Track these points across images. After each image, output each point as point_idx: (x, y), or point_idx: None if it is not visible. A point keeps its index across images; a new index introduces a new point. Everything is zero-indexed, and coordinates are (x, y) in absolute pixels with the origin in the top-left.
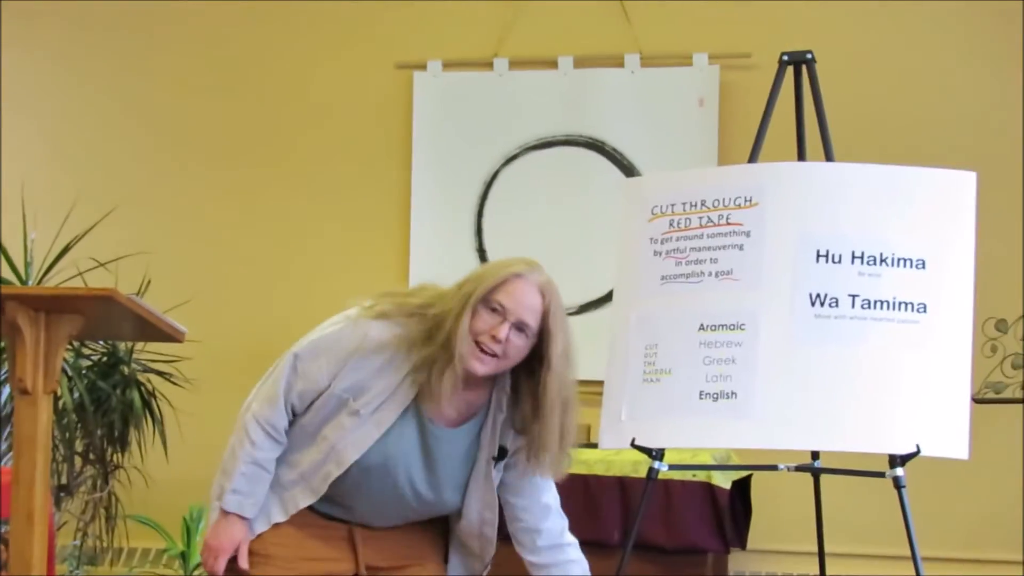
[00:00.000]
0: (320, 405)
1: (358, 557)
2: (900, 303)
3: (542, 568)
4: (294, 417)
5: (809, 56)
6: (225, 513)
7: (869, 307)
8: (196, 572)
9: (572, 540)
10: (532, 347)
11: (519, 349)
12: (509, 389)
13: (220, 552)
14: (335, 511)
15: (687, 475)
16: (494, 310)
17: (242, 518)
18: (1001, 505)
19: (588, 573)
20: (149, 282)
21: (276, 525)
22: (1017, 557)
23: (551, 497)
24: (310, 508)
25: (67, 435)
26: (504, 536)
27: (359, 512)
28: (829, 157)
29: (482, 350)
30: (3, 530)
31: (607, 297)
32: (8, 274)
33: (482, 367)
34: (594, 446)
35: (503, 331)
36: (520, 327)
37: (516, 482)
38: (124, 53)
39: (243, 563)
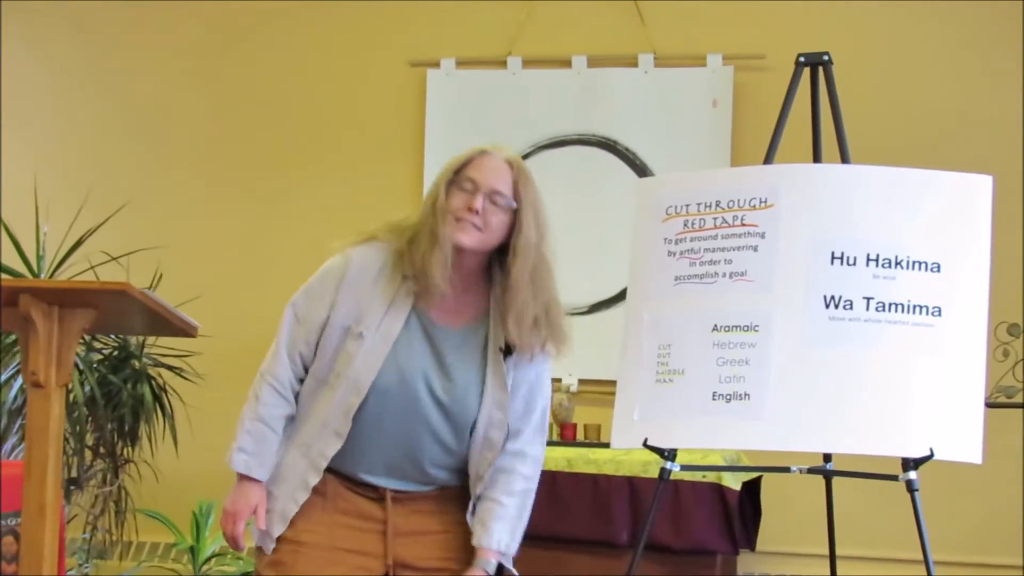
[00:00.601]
0: (325, 344)
1: (387, 550)
2: (915, 306)
3: (495, 471)
4: (306, 372)
5: (826, 57)
6: (240, 478)
7: (883, 310)
8: (205, 567)
9: (536, 454)
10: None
11: (498, 220)
12: (502, 283)
13: (237, 516)
14: (363, 467)
15: (697, 476)
16: (466, 188)
17: (256, 481)
18: (1009, 509)
19: (531, 488)
20: (161, 276)
21: (308, 510)
22: (1020, 562)
23: (539, 405)
24: (340, 476)
25: (78, 429)
26: None
27: (388, 458)
28: (845, 159)
29: (462, 221)
30: (14, 522)
31: (620, 296)
32: (21, 267)
33: (467, 237)
34: (606, 445)
35: (478, 201)
36: (493, 197)
37: (516, 378)
38: (139, 48)
39: (260, 524)
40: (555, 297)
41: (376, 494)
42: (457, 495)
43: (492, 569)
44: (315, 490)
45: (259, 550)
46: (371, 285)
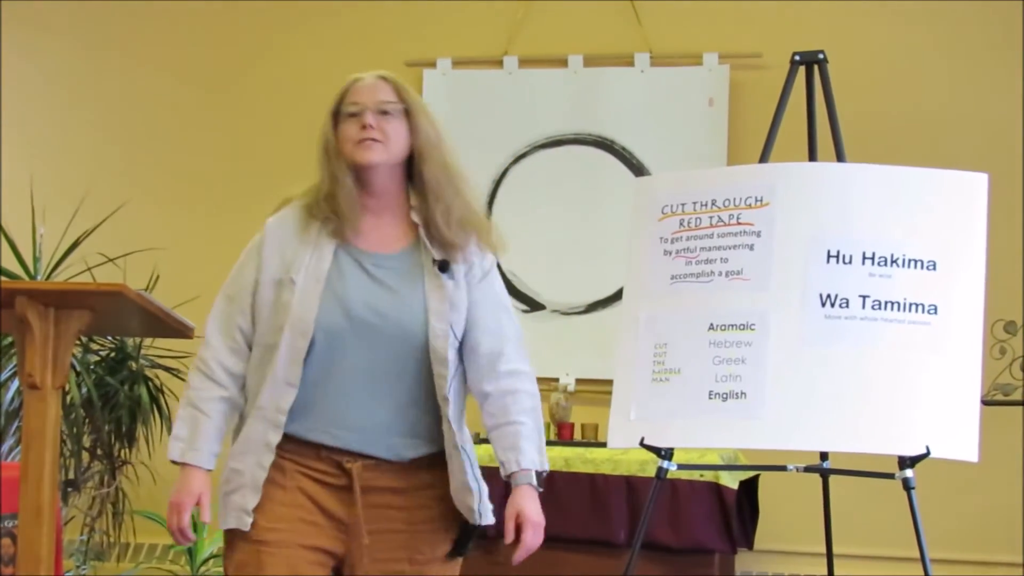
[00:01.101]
0: (261, 307)
1: (354, 546)
2: (911, 304)
3: (499, 397)
4: (250, 350)
5: (821, 56)
6: (182, 468)
7: (880, 308)
8: (203, 568)
9: (529, 370)
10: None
11: (394, 127)
12: (420, 190)
13: (181, 508)
14: (328, 423)
15: (694, 475)
16: (352, 114)
17: (197, 468)
18: (1005, 507)
19: (538, 405)
20: (158, 278)
21: (268, 504)
22: (1020, 559)
23: (508, 323)
24: (303, 455)
25: (75, 430)
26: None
27: (353, 406)
28: (840, 158)
29: (363, 142)
30: (11, 525)
31: (616, 296)
32: (17, 269)
33: (373, 154)
34: (603, 445)
35: (368, 118)
36: (382, 108)
37: (471, 305)
38: (134, 49)
39: (205, 516)
40: (474, 197)
41: (343, 477)
42: (428, 483)
43: (535, 480)
44: (273, 481)
45: (230, 537)
46: (292, 236)
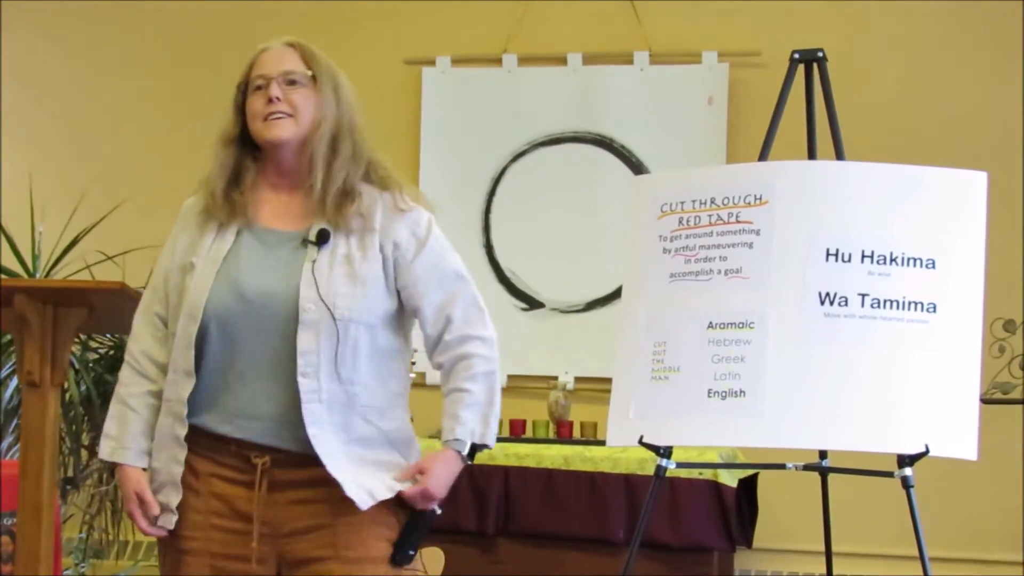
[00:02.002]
0: (171, 293)
1: (258, 547)
2: (910, 303)
3: (449, 366)
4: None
5: (820, 54)
6: (116, 468)
7: (878, 306)
8: None
9: (485, 334)
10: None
11: (302, 97)
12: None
13: (134, 516)
14: (231, 412)
15: (693, 473)
16: (259, 87)
17: (130, 467)
18: (1004, 505)
19: (492, 370)
20: None
21: (184, 511)
22: (1019, 558)
23: (458, 289)
24: (210, 448)
25: (74, 428)
26: (506, 534)
27: (256, 392)
28: (839, 156)
29: (270, 118)
30: (10, 522)
31: (616, 294)
32: (16, 267)
33: (282, 130)
34: (603, 443)
35: (274, 89)
36: (288, 78)
37: (413, 281)
38: (132, 47)
39: (152, 508)
40: (374, 166)
41: (249, 472)
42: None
43: (465, 449)
44: (188, 486)
45: (160, 539)
46: (198, 219)
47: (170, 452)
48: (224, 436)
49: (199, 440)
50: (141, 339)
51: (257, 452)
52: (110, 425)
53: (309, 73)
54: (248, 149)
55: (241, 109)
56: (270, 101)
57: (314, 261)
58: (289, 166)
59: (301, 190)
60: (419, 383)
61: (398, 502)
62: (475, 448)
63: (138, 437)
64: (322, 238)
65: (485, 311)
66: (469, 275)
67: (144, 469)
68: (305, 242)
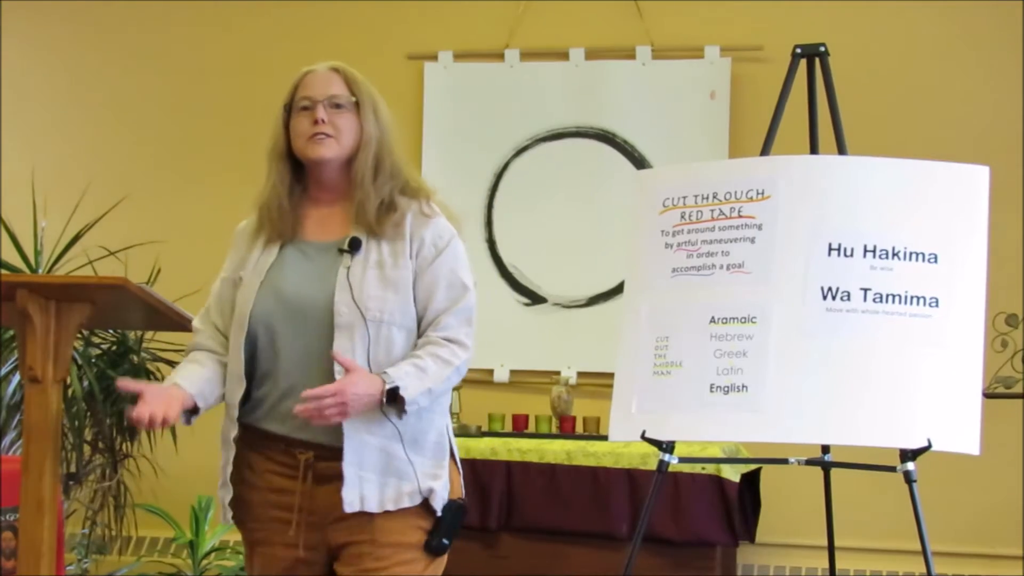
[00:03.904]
0: (225, 307)
1: (300, 534)
2: (912, 297)
3: (420, 344)
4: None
5: (822, 49)
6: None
7: (881, 301)
8: (205, 561)
9: (462, 340)
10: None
11: (345, 121)
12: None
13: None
14: (272, 414)
15: (696, 468)
16: (305, 108)
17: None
18: (1007, 499)
19: (451, 361)
20: (159, 271)
21: (248, 506)
22: (1020, 552)
23: (460, 299)
24: (261, 445)
25: (76, 424)
26: (509, 529)
27: (288, 393)
28: (842, 150)
29: (314, 138)
30: (13, 518)
31: (618, 289)
32: (18, 262)
33: (326, 149)
34: (605, 438)
35: (320, 112)
36: (332, 102)
37: (426, 284)
38: (137, 43)
39: (156, 420)
40: (408, 180)
41: (296, 466)
42: None
43: (390, 382)
44: (249, 482)
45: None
46: (248, 237)
47: (226, 453)
48: (273, 433)
49: (255, 439)
50: (201, 331)
51: (301, 448)
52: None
53: (353, 99)
54: (291, 164)
55: (286, 126)
56: (316, 123)
57: (348, 267)
58: (330, 182)
59: (340, 203)
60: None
61: (426, 503)
62: (395, 393)
63: (189, 376)
64: (354, 245)
65: (473, 327)
66: (474, 289)
67: (185, 392)
68: (341, 250)
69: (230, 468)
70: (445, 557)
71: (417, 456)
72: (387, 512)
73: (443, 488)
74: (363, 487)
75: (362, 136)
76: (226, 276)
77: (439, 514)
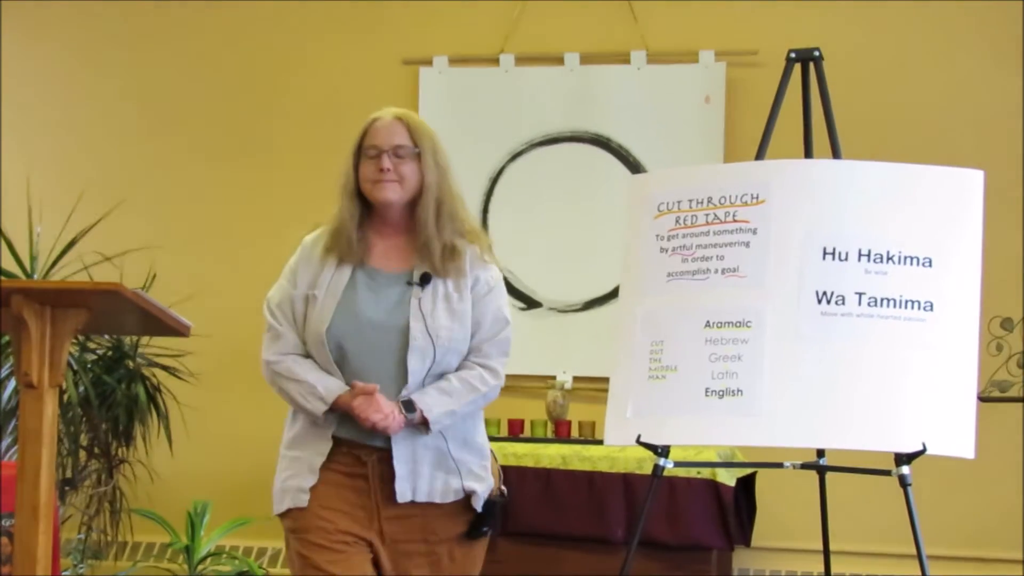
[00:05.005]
0: (298, 317)
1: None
2: (907, 301)
3: (456, 368)
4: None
5: (817, 54)
6: (335, 405)
7: (876, 305)
8: (200, 566)
9: (497, 368)
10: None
11: (409, 168)
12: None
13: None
14: (342, 422)
15: (691, 472)
16: (371, 155)
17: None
18: (1003, 503)
19: (480, 388)
20: (155, 276)
21: (319, 494)
22: (1018, 556)
23: (502, 333)
24: (337, 444)
25: (72, 429)
26: (504, 533)
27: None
28: (836, 155)
29: (380, 182)
30: (8, 524)
31: (613, 294)
32: (14, 268)
33: (391, 193)
34: (601, 442)
35: (385, 162)
36: (397, 152)
37: (476, 316)
38: (131, 48)
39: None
40: (464, 227)
41: (363, 467)
42: None
43: (414, 413)
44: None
45: (286, 521)
46: (319, 257)
47: (316, 447)
48: (341, 438)
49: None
50: (284, 340)
51: (366, 452)
52: (305, 383)
53: (416, 150)
54: (359, 201)
55: (356, 168)
56: (382, 170)
57: (419, 299)
58: (393, 220)
59: (403, 236)
60: None
61: (467, 501)
62: (411, 406)
63: (323, 378)
64: (424, 280)
65: (508, 357)
66: (511, 322)
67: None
68: (410, 283)
69: (323, 459)
70: (486, 540)
71: (465, 455)
72: (440, 508)
73: (485, 490)
74: (416, 481)
75: (424, 182)
76: (298, 291)
77: (479, 511)
